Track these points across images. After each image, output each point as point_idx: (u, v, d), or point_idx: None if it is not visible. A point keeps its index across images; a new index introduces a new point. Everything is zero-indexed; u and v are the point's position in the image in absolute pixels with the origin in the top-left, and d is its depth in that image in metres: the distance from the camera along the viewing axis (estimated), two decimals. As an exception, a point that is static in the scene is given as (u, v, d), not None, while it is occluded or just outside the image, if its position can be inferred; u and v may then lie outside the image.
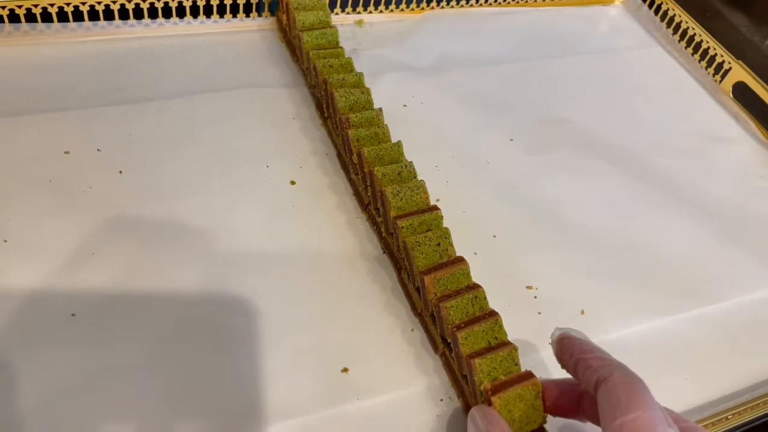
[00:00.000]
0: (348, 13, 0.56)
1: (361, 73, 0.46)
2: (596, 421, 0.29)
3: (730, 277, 0.44)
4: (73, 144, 0.42)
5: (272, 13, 0.54)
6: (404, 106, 0.51)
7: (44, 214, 0.38)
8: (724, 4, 0.74)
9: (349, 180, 0.45)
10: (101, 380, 0.33)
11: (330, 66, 0.46)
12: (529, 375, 0.33)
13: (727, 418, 0.36)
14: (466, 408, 0.34)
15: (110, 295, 0.36)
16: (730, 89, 0.59)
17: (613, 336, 0.39)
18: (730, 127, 0.56)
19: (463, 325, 0.34)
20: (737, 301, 0.43)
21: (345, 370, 0.35)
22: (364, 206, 0.43)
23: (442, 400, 0.35)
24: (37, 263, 0.36)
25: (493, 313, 0.35)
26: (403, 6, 0.58)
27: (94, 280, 0.36)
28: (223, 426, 0.32)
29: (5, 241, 0.36)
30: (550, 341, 0.32)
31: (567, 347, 0.31)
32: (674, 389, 0.38)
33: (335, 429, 0.33)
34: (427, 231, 0.38)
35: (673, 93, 0.59)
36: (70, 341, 0.33)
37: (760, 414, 0.37)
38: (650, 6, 0.66)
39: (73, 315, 0.34)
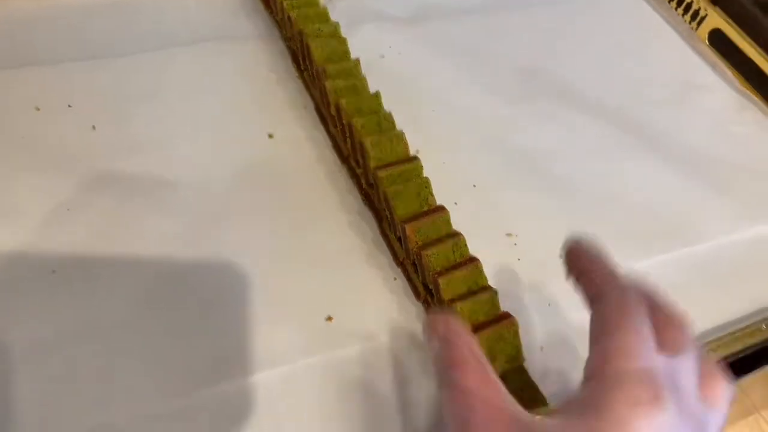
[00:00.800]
0: (322, -39, 0.55)
1: (337, 23, 0.45)
2: None
3: (706, 221, 0.45)
4: (43, 100, 0.41)
5: (243, -38, 0.52)
6: (382, 57, 0.50)
7: (18, 172, 0.38)
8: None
9: (328, 133, 0.44)
10: (81, 336, 0.33)
11: (305, 16, 0.45)
12: (507, 315, 0.33)
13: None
14: (449, 352, 0.35)
15: (88, 252, 0.35)
16: (706, 36, 0.59)
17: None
18: (707, 74, 0.57)
19: (444, 272, 0.34)
20: (715, 243, 0.44)
21: (329, 318, 0.35)
22: (344, 159, 0.43)
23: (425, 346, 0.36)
24: (12, 222, 0.36)
25: (473, 259, 0.35)
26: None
27: (71, 236, 0.36)
28: (207, 375, 0.32)
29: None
30: (560, 254, 0.30)
31: (575, 256, 0.29)
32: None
33: (320, 376, 0.33)
34: (407, 181, 0.38)
35: (650, 40, 0.59)
36: (50, 298, 0.33)
37: (733, 350, 0.39)
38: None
39: (53, 272, 0.34)
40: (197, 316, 0.34)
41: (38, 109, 0.40)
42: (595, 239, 0.29)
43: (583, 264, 0.28)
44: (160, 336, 0.33)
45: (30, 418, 0.30)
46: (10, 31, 0.44)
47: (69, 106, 0.41)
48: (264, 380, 0.33)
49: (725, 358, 0.38)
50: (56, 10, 0.46)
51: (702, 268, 0.43)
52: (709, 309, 0.40)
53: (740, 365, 0.38)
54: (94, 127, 0.40)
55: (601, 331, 0.24)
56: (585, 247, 0.29)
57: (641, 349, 0.23)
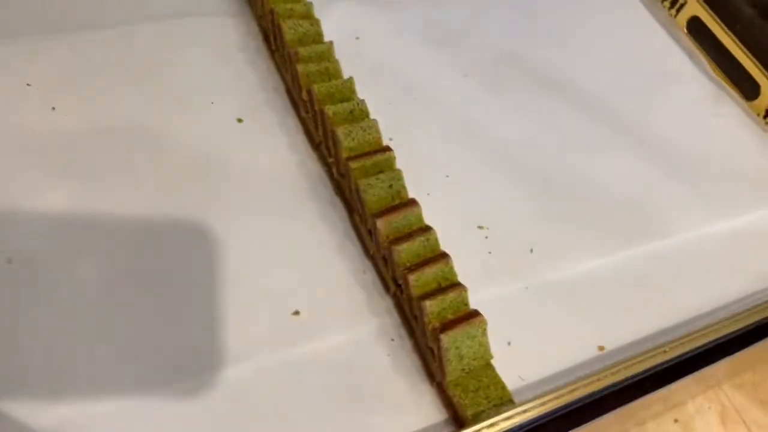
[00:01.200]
0: (297, -65, 0.53)
1: (311, 3, 0.44)
2: None
3: (678, 215, 0.45)
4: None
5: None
6: (357, 38, 0.49)
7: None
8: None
9: (300, 117, 0.43)
10: (41, 327, 0.32)
11: (277, -5, 0.44)
12: (475, 313, 0.33)
13: (665, 351, 0.38)
14: (417, 347, 0.35)
15: (53, 234, 0.34)
16: (685, 24, 0.58)
17: (562, 274, 0.40)
18: (684, 63, 0.56)
19: (414, 268, 0.34)
20: (685, 237, 0.44)
21: (296, 312, 0.35)
22: (316, 145, 0.42)
23: (393, 339, 0.35)
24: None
25: (444, 255, 0.35)
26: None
27: (37, 220, 0.34)
28: (175, 369, 0.32)
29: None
30: None
31: None
32: (621, 324, 0.39)
33: (288, 370, 0.33)
34: (379, 173, 0.37)
35: (629, 28, 0.58)
36: (16, 284, 0.32)
37: (695, 346, 0.39)
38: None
39: (8, 261, 0.33)
40: (163, 308, 0.34)
41: (-6, 88, 0.39)
42: None
43: None
44: (129, 328, 0.33)
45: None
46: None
47: (28, 84, 0.39)
48: (232, 375, 0.32)
49: (692, 350, 0.39)
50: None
51: (672, 261, 0.43)
52: (678, 303, 0.41)
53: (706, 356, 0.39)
54: (53, 108, 0.39)
55: None
56: None
57: None
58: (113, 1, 0.45)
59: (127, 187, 0.37)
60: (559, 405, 0.33)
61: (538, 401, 0.32)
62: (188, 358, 0.32)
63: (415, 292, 0.34)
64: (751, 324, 0.39)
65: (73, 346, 0.32)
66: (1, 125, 0.37)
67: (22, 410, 0.30)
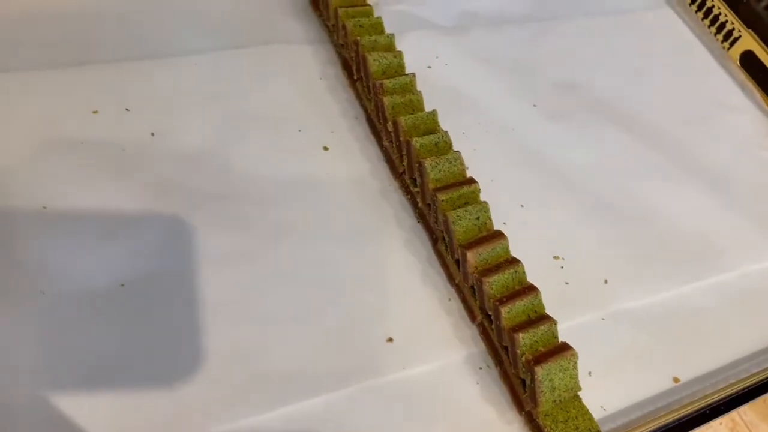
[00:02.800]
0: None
1: (393, 35, 0.45)
2: None
3: (734, 247, 0.47)
4: (100, 102, 0.40)
5: (292, -39, 0.52)
6: (429, 67, 0.50)
7: (81, 177, 0.37)
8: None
9: (381, 146, 0.45)
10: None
11: (360, 26, 0.45)
12: (566, 346, 0.35)
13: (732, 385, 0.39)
14: (504, 376, 0.36)
15: (154, 266, 0.35)
16: (738, 57, 0.60)
17: (635, 305, 0.41)
18: (737, 95, 0.58)
19: (505, 299, 0.35)
20: (742, 271, 0.46)
21: (390, 339, 0.36)
22: (398, 174, 0.43)
23: (480, 368, 0.37)
24: (76, 230, 0.36)
25: (532, 288, 0.36)
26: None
27: (137, 249, 0.36)
28: (268, 397, 0.33)
29: (44, 207, 0.36)
30: None
31: None
32: (692, 354, 0.40)
33: (381, 398, 0.34)
34: (465, 204, 0.39)
35: (682, 58, 0.60)
36: (112, 311, 0.34)
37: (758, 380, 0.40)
38: (663, -34, 0.65)
39: (122, 285, 0.34)
40: (260, 335, 0.35)
41: (96, 113, 0.40)
42: None
43: None
44: (226, 353, 0.34)
45: None
46: (61, 29, 0.43)
47: (127, 109, 0.41)
48: (329, 401, 0.34)
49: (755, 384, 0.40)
50: (106, 7, 0.45)
51: (736, 294, 0.44)
52: (737, 338, 0.42)
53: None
54: (152, 134, 0.40)
55: None
56: None
57: None
58: (201, 29, 0.46)
59: (218, 213, 0.38)
60: (644, 436, 0.34)
61: (626, 433, 0.33)
62: (280, 387, 0.34)
63: (506, 323, 0.35)
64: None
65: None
66: (103, 147, 0.39)
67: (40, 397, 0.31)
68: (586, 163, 0.48)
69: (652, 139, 0.52)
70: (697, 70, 0.59)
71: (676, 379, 0.39)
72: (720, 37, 0.61)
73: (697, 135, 0.54)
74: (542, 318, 0.35)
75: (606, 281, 0.42)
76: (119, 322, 0.33)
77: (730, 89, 0.58)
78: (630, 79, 0.56)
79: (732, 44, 0.60)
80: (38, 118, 0.39)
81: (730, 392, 0.39)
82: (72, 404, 0.30)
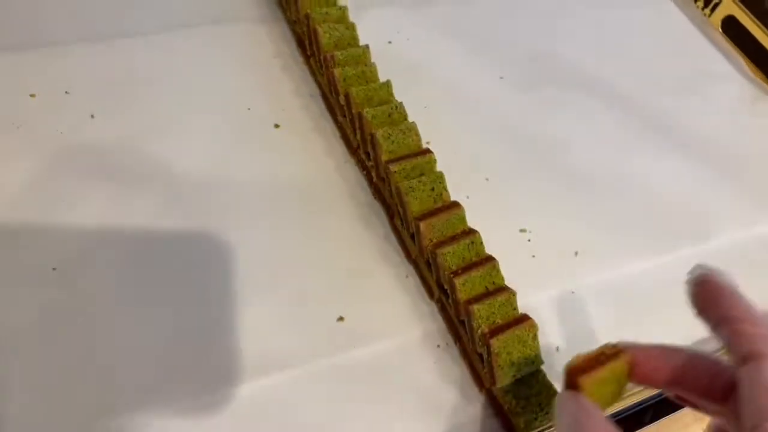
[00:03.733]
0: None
1: (345, 7, 0.43)
2: (694, 395, 0.24)
3: (719, 216, 0.44)
4: (39, 86, 0.39)
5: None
6: (389, 42, 0.48)
7: (12, 160, 0.36)
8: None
9: (336, 122, 0.43)
10: (80, 332, 0.31)
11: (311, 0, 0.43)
12: (525, 317, 0.32)
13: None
14: (464, 353, 0.34)
15: (87, 243, 0.34)
16: (719, 23, 0.57)
17: (608, 277, 0.39)
18: (720, 63, 0.55)
19: (460, 271, 0.33)
20: (728, 240, 0.43)
21: (341, 318, 0.34)
22: (353, 150, 0.41)
23: (438, 346, 0.35)
24: (8, 212, 0.34)
25: (490, 258, 0.34)
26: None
27: (71, 229, 0.34)
28: (216, 377, 0.31)
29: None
30: (687, 278, 0.26)
31: (712, 296, 0.25)
32: (668, 327, 0.38)
33: (332, 378, 0.32)
34: (420, 175, 0.36)
35: (662, 27, 0.57)
36: (45, 290, 0.32)
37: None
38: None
39: (54, 269, 0.33)
40: (204, 314, 0.33)
41: (33, 96, 0.38)
42: (728, 276, 0.26)
43: (725, 310, 0.24)
44: (166, 336, 0.32)
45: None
46: (2, 10, 0.42)
47: (66, 92, 0.39)
48: (277, 382, 0.32)
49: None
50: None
51: (717, 265, 0.42)
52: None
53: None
54: (92, 116, 0.39)
55: (762, 407, 0.20)
56: (723, 287, 0.25)
57: None
58: (148, 9, 0.45)
59: (160, 193, 0.37)
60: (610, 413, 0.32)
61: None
62: (229, 367, 0.32)
63: (462, 296, 0.33)
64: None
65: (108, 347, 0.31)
66: (40, 132, 0.37)
67: (47, 416, 0.29)
68: (556, 135, 0.46)
69: (632, 110, 0.49)
70: (677, 38, 0.57)
71: (652, 353, 0.36)
72: (700, 3, 0.59)
73: (679, 104, 0.51)
74: (500, 289, 0.33)
75: (576, 253, 0.40)
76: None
77: (712, 56, 0.56)
78: (606, 50, 0.54)
79: (713, 10, 0.58)
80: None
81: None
82: None
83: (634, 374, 0.25)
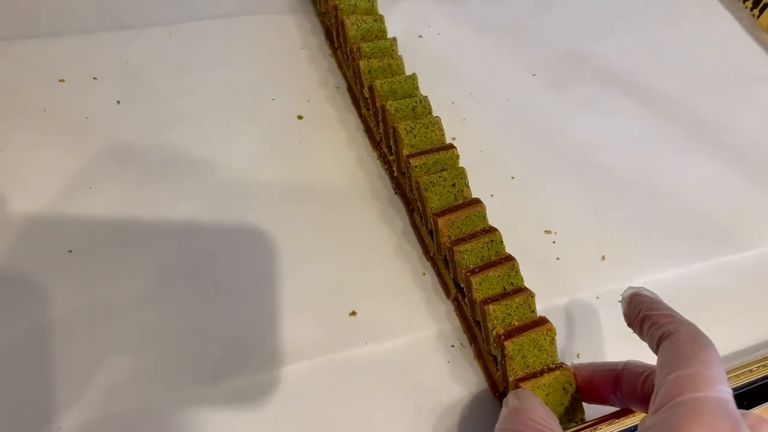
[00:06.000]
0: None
1: (374, 0, 0.43)
2: (633, 402, 0.28)
3: (760, 224, 0.42)
4: (68, 71, 0.39)
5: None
6: (420, 36, 0.47)
7: (39, 145, 0.36)
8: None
9: (360, 115, 0.42)
10: (97, 319, 0.31)
11: (341, -10, 0.43)
12: (543, 320, 0.31)
13: (751, 371, 0.34)
14: (479, 355, 0.33)
15: (108, 230, 0.34)
16: (769, 25, 0.55)
17: (635, 283, 0.37)
18: (766, 65, 0.53)
19: (477, 270, 0.32)
20: (764, 251, 0.41)
21: (353, 313, 0.34)
22: (376, 143, 0.41)
23: (453, 346, 0.34)
24: (32, 196, 0.35)
25: (509, 258, 0.33)
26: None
27: (92, 214, 0.34)
28: (228, 368, 0.31)
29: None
30: (620, 299, 0.31)
31: (636, 304, 0.29)
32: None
33: (343, 373, 0.32)
34: (441, 171, 0.36)
35: (707, 26, 0.55)
36: (67, 277, 0.32)
37: None
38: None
39: (69, 251, 0.33)
40: (217, 304, 0.33)
41: (63, 81, 0.39)
42: (652, 292, 0.30)
43: (645, 311, 0.28)
44: (181, 323, 0.32)
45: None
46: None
47: (94, 78, 0.40)
48: (287, 374, 0.31)
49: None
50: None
51: (750, 275, 0.40)
52: (751, 322, 0.37)
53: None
54: (118, 102, 0.39)
55: (674, 362, 0.24)
56: (645, 297, 0.29)
57: (718, 380, 0.23)
58: (178, 0, 0.45)
59: (181, 181, 0.37)
60: (632, 425, 0.30)
61: (610, 422, 0.29)
62: (242, 358, 0.32)
63: (478, 296, 0.32)
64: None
65: (119, 338, 0.31)
66: (67, 116, 0.38)
67: (70, 402, 0.29)
68: (588, 135, 0.45)
69: (669, 111, 0.47)
70: (722, 38, 0.54)
71: (679, 365, 0.35)
72: (749, 3, 0.56)
73: (720, 106, 0.49)
74: (519, 290, 0.32)
75: (603, 257, 0.38)
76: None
77: (759, 58, 0.53)
78: (646, 49, 0.52)
79: (762, 11, 0.55)
80: (2, 86, 0.38)
81: (740, 383, 0.34)
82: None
83: (584, 395, 0.30)
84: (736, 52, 0.54)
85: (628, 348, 0.34)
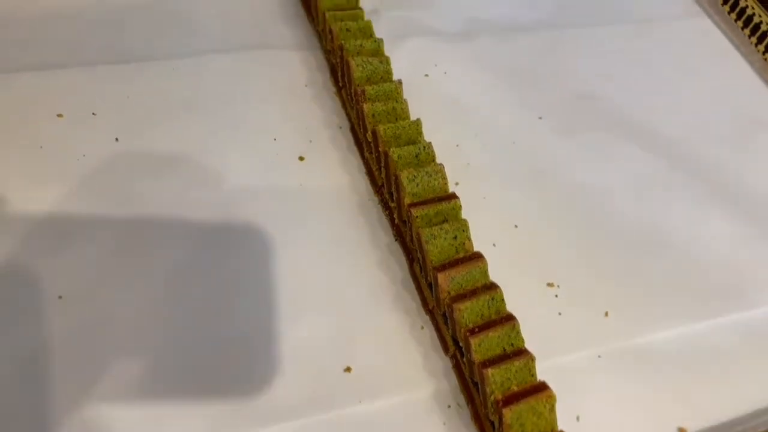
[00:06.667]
0: (371, -32, 0.52)
1: (381, 40, 0.42)
2: None
3: (764, 283, 0.41)
4: (67, 106, 0.39)
5: (288, -35, 0.50)
6: (426, 75, 0.47)
7: (34, 182, 0.36)
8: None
9: (363, 158, 0.41)
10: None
11: (347, 30, 0.42)
12: (543, 386, 0.30)
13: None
14: (476, 417, 0.32)
15: (99, 276, 0.33)
16: (782, 70, 0.54)
17: (640, 341, 0.36)
18: (778, 111, 0.52)
19: (477, 330, 0.31)
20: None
21: (348, 369, 0.33)
22: (378, 188, 0.40)
23: (449, 406, 0.33)
24: (27, 237, 0.34)
25: (510, 318, 0.32)
26: (430, -38, 0.54)
27: (82, 258, 0.34)
28: (218, 424, 0.30)
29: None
30: None
31: None
32: (703, 401, 0.35)
33: (334, 432, 0.31)
34: (443, 222, 0.35)
35: (718, 71, 0.54)
36: (59, 317, 0.32)
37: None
38: (700, -29, 0.60)
39: (60, 297, 0.32)
40: (209, 358, 0.32)
41: (60, 116, 0.38)
42: None
43: None
44: (172, 376, 0.31)
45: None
46: (36, 27, 0.42)
47: (93, 113, 0.39)
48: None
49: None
50: (85, 8, 0.44)
51: (758, 335, 0.39)
52: (760, 385, 0.36)
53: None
54: (117, 139, 0.38)
55: None
56: None
57: None
58: (184, 32, 0.45)
59: (182, 221, 0.36)
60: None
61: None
62: (228, 415, 0.31)
63: (477, 357, 0.31)
64: None
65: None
66: (66, 152, 0.37)
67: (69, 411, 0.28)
68: (595, 184, 0.44)
69: (677, 159, 0.46)
70: (734, 83, 0.54)
71: (682, 430, 0.34)
72: (761, 47, 0.55)
73: (731, 155, 0.48)
74: (519, 352, 0.31)
75: (607, 314, 0.37)
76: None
77: (771, 105, 0.52)
78: (656, 93, 0.51)
79: (775, 55, 0.54)
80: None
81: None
82: None
83: None
84: (747, 97, 0.53)
85: (631, 414, 0.34)
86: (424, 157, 0.37)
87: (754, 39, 0.56)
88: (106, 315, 0.33)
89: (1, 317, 0.31)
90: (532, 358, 0.31)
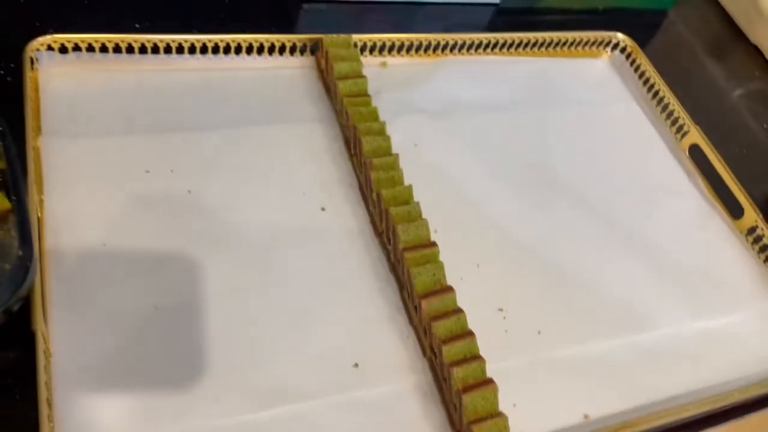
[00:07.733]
0: (375, 56, 0.66)
1: (384, 122, 0.56)
2: None
3: (660, 312, 0.56)
4: (152, 164, 0.52)
5: (312, 53, 0.64)
6: (416, 145, 0.61)
7: (129, 224, 0.49)
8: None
9: (368, 210, 0.56)
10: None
11: (360, 113, 0.57)
12: (490, 381, 0.45)
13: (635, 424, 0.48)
14: (444, 401, 0.46)
15: (178, 293, 0.47)
16: (687, 149, 0.70)
17: (561, 354, 0.51)
18: (683, 183, 0.67)
19: (447, 341, 0.46)
20: (663, 333, 0.55)
21: (356, 365, 0.47)
22: (378, 233, 0.54)
23: (426, 393, 0.47)
24: (126, 262, 0.47)
25: (470, 333, 0.46)
26: (421, 52, 0.68)
27: (169, 275, 0.47)
28: (230, 403, 0.42)
29: (104, 244, 0.47)
30: None
31: None
32: (604, 397, 0.49)
33: (342, 411, 0.44)
34: (426, 263, 0.49)
35: (639, 147, 0.70)
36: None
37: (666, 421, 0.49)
38: (631, 63, 0.76)
39: (156, 308, 0.46)
40: (256, 353, 0.46)
41: (148, 172, 0.52)
42: None
43: None
44: (190, 360, 0.44)
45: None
46: (122, 104, 0.56)
47: (171, 171, 0.52)
48: (285, 413, 0.43)
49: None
50: (157, 86, 0.58)
51: (652, 351, 0.54)
52: (645, 387, 0.51)
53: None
54: (189, 191, 0.52)
55: None
56: None
57: None
58: (232, 108, 0.58)
59: (230, 256, 0.49)
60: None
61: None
62: (240, 395, 0.43)
63: (446, 360, 0.45)
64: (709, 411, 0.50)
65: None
66: (149, 200, 0.50)
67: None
68: (540, 232, 0.59)
69: (601, 214, 0.62)
70: (650, 158, 0.69)
71: (586, 416, 0.48)
72: (673, 129, 0.71)
73: (642, 213, 0.63)
74: (475, 357, 0.46)
75: (539, 332, 0.52)
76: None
77: (678, 177, 0.68)
78: (589, 164, 0.66)
79: (683, 137, 0.70)
80: (103, 176, 0.51)
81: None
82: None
83: None
84: (659, 169, 0.69)
85: (551, 404, 0.48)
86: (414, 214, 0.52)
87: (668, 122, 0.72)
88: (180, 322, 0.46)
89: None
90: (484, 362, 0.45)
